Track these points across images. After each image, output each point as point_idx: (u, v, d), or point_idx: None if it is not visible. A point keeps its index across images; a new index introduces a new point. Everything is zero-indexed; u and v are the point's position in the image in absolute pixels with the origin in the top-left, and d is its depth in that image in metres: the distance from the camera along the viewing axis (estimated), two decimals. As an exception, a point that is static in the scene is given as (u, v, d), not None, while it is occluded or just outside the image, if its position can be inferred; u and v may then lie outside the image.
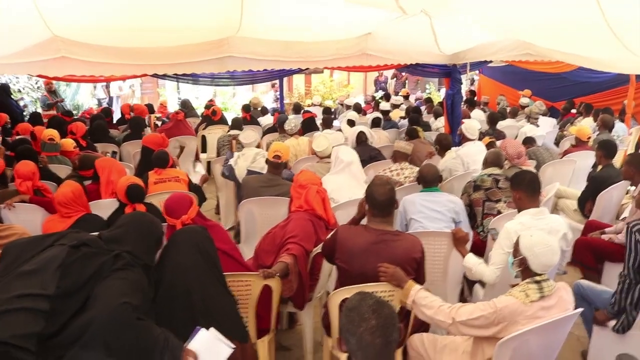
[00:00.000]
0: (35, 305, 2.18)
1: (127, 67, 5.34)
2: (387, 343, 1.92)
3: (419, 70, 7.46)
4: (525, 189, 3.62)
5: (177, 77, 7.90)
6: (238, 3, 4.39)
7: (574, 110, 10.49)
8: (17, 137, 7.11)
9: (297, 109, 10.53)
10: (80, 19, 4.43)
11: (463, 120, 7.43)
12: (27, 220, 4.46)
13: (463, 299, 4.48)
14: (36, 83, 11.66)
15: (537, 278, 2.61)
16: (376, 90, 18.00)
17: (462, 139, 6.21)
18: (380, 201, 3.09)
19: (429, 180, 4.36)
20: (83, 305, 2.25)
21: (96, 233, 3.04)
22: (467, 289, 4.37)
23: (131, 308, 2.21)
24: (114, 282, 2.31)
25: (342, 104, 13.07)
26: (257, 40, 5.40)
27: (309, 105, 13.42)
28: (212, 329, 2.43)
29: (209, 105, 10.09)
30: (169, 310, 2.49)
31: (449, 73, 7.09)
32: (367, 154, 6.10)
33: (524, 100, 10.89)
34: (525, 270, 2.69)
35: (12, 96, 10.38)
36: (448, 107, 7.31)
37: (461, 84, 7.44)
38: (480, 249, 4.35)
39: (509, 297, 2.59)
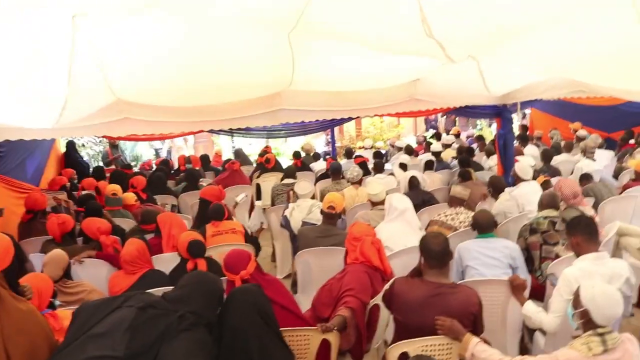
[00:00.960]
0: None
1: (185, 124, 5.58)
2: None
3: (469, 111, 7.47)
4: (582, 234, 3.56)
5: (231, 132, 8.16)
6: (289, 59, 4.56)
7: (632, 141, 10.19)
8: (84, 193, 7.46)
9: (348, 153, 10.63)
10: (141, 83, 4.68)
11: (517, 158, 7.37)
12: (93, 274, 4.65)
13: (523, 346, 4.38)
14: (98, 138, 12.26)
15: (600, 330, 2.56)
16: (426, 129, 17.99)
17: (516, 180, 6.14)
18: (436, 252, 3.15)
19: (484, 227, 4.35)
20: None
21: (160, 290, 3.19)
22: (528, 336, 4.28)
23: None
24: (181, 344, 2.41)
25: (393, 146, 13.11)
26: (308, 92, 5.54)
27: (359, 148, 13.52)
28: None
29: (263, 152, 10.32)
30: None
31: (500, 113, 7.07)
32: (420, 198, 6.12)
33: (581, 133, 10.65)
34: (587, 323, 2.64)
35: (78, 151, 10.93)
36: (500, 147, 7.25)
37: (512, 123, 7.38)
38: (538, 294, 4.28)
39: (571, 351, 2.55)
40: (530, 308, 3.49)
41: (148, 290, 3.23)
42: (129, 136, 7.03)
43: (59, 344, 2.57)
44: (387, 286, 3.68)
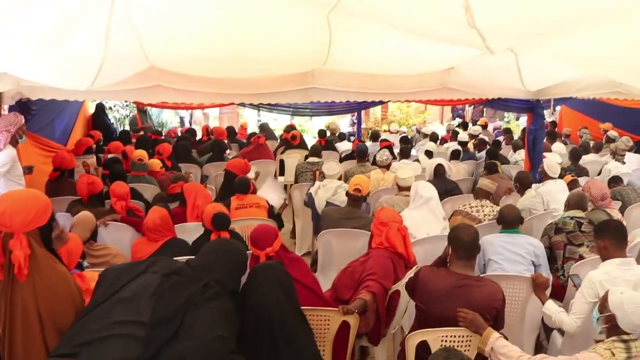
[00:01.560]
0: (132, 332, 2.34)
1: (216, 95, 5.62)
2: None
3: (501, 104, 7.38)
4: (611, 238, 3.51)
5: (258, 106, 8.17)
6: (326, 38, 4.53)
7: (663, 145, 10.01)
8: (110, 156, 7.54)
9: (374, 136, 10.58)
10: (177, 51, 4.69)
11: (544, 154, 7.28)
12: (117, 238, 4.71)
13: (538, 343, 4.39)
14: (125, 101, 12.33)
15: (625, 337, 2.54)
16: (453, 117, 17.82)
17: (543, 177, 6.07)
18: (466, 243, 3.16)
19: (510, 222, 4.32)
20: (175, 333, 2.39)
21: (183, 258, 3.23)
22: (544, 335, 4.27)
23: (225, 342, 2.33)
24: (207, 313, 2.44)
25: (419, 132, 13.02)
26: (341, 73, 5.52)
27: (384, 132, 13.45)
28: None
29: (289, 129, 10.31)
30: (254, 347, 2.59)
31: (532, 108, 6.97)
32: (444, 187, 6.08)
33: (612, 134, 10.48)
34: (612, 328, 2.62)
35: (106, 114, 11.00)
36: (529, 142, 7.16)
37: (544, 119, 7.28)
38: (559, 293, 4.26)
39: (593, 354, 2.54)
40: (552, 307, 3.47)
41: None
42: (160, 103, 7.08)
43: (84, 305, 2.62)
44: (410, 273, 3.70)
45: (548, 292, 3.77)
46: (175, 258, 3.47)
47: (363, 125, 14.07)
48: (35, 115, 6.61)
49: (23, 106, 6.07)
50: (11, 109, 5.81)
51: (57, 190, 5.74)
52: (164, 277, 2.55)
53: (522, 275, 3.89)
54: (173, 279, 2.55)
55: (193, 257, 2.98)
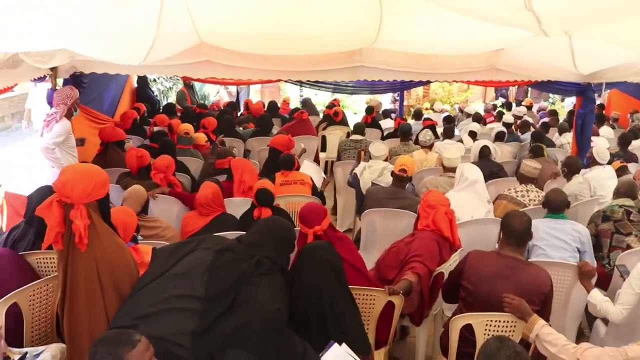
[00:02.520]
0: (187, 306, 2.44)
1: (263, 72, 5.67)
2: None
3: (550, 86, 7.22)
4: (663, 229, 3.47)
5: (301, 83, 8.18)
6: (377, 17, 4.51)
7: None
8: (155, 129, 7.68)
9: (417, 115, 10.49)
10: (227, 28, 4.74)
11: (593, 139, 7.12)
12: (165, 211, 4.84)
13: (580, 331, 4.37)
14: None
15: (676, 330, 2.53)
16: (496, 97, 17.49)
17: (591, 162, 5.96)
18: (517, 231, 3.19)
19: (556, 207, 4.26)
20: (229, 307, 2.47)
21: (231, 234, 3.31)
22: (587, 323, 4.25)
23: (283, 315, 2.42)
24: (264, 288, 2.53)
25: (462, 111, 12.84)
26: (390, 52, 5.49)
27: (426, 109, 13.31)
28: (344, 345, 2.58)
29: (332, 105, 10.30)
30: (303, 324, 2.66)
31: (583, 91, 6.80)
32: (489, 169, 6.01)
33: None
34: (662, 320, 2.61)
35: (149, 86, 11.17)
36: (578, 126, 6.99)
37: (594, 103, 7.09)
38: (604, 282, 4.20)
39: (642, 348, 2.52)
40: (597, 296, 3.45)
41: (219, 233, 3.38)
42: (209, 78, 7.17)
43: (139, 277, 2.73)
44: (454, 256, 3.73)
45: (592, 280, 3.74)
46: (224, 232, 3.60)
47: (404, 103, 13.94)
48: (86, 89, 6.77)
49: (76, 80, 6.23)
50: (65, 82, 5.99)
51: (105, 162, 5.88)
52: (217, 254, 2.63)
53: (569, 263, 3.86)
54: (226, 256, 2.63)
55: (243, 233, 3.05)
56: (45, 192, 3.35)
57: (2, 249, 3.41)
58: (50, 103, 5.76)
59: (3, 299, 2.99)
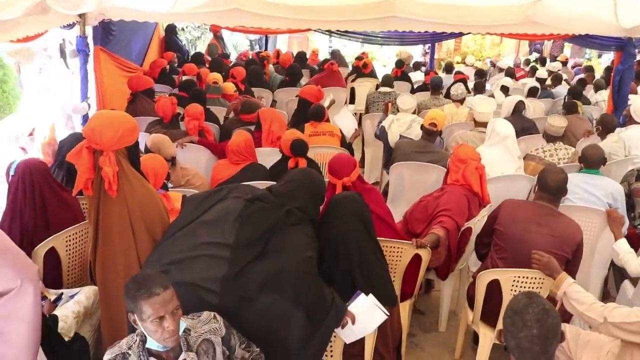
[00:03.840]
0: (218, 253, 2.46)
1: (293, 21, 5.59)
2: (545, 352, 1.97)
3: (588, 41, 6.97)
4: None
5: (330, 33, 8.04)
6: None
7: None
8: (184, 78, 7.67)
9: (448, 68, 10.27)
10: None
11: (630, 96, 6.91)
12: (193, 159, 4.85)
13: (606, 291, 4.35)
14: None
15: None
16: (530, 52, 17.02)
17: (628, 121, 5.79)
18: (551, 187, 3.20)
19: (592, 162, 4.17)
20: (260, 254, 2.50)
21: (261, 184, 3.31)
22: (614, 282, 4.22)
23: (314, 263, 2.44)
24: (296, 236, 2.55)
25: (494, 65, 12.54)
26: (422, 2, 5.36)
27: (458, 63, 13.04)
28: (370, 295, 2.61)
29: (361, 57, 10.14)
30: (330, 275, 2.68)
31: (623, 46, 6.55)
32: (520, 125, 5.88)
33: None
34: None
35: (177, 35, 11.10)
36: (615, 83, 6.76)
37: (635, 59, 6.84)
38: (635, 243, 4.13)
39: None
40: (622, 246, 3.46)
41: (249, 183, 3.39)
42: (237, 27, 7.09)
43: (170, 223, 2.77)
44: (483, 212, 3.70)
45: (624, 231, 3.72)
46: (254, 182, 3.61)
47: (435, 56, 13.66)
48: (115, 36, 6.74)
49: (105, 27, 6.21)
50: (95, 29, 5.96)
51: (134, 111, 5.88)
52: (247, 202, 2.64)
53: (597, 208, 3.85)
54: (257, 205, 2.64)
55: (274, 183, 3.05)
56: (75, 139, 3.40)
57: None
58: (80, 51, 5.78)
59: (41, 244, 3.08)
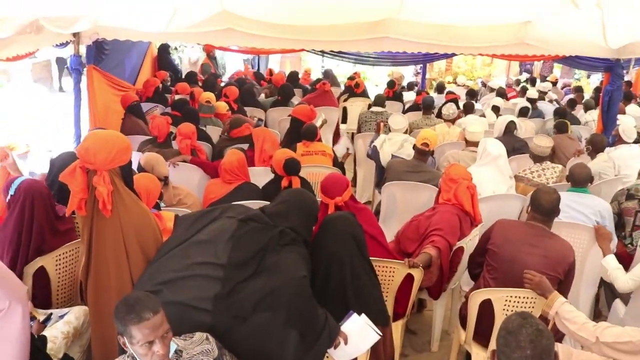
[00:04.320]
0: (210, 273, 2.46)
1: (286, 41, 5.61)
2: None
3: (577, 62, 7.06)
4: (689, 210, 3.41)
5: (323, 53, 8.11)
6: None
7: None
8: (177, 97, 7.68)
9: (440, 88, 10.35)
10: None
11: (619, 116, 6.99)
12: (186, 178, 4.83)
13: (597, 310, 4.35)
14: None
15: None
16: (520, 72, 17.19)
17: (617, 140, 5.85)
18: (544, 207, 3.21)
19: (579, 181, 4.22)
20: (252, 274, 2.49)
21: (253, 203, 3.31)
22: (605, 301, 4.22)
23: (308, 283, 2.44)
24: (290, 255, 2.55)
25: (485, 85, 12.65)
26: (414, 23, 5.41)
27: (449, 83, 13.15)
28: (363, 315, 2.60)
29: (353, 77, 10.22)
30: (323, 295, 2.67)
31: (611, 67, 6.65)
32: (512, 145, 5.94)
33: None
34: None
35: (170, 54, 11.13)
36: (604, 103, 6.84)
37: (623, 79, 6.93)
38: (625, 262, 4.14)
39: (665, 329, 2.50)
40: (611, 262, 3.48)
41: (242, 202, 3.38)
42: (229, 47, 7.13)
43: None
44: (475, 231, 3.72)
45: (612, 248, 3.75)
46: (247, 202, 3.61)
47: (427, 76, 13.78)
48: (108, 55, 6.76)
49: (98, 46, 6.23)
50: (88, 48, 5.98)
51: (123, 129, 5.90)
52: (240, 222, 2.64)
53: (585, 225, 3.90)
54: (250, 225, 2.64)
55: (267, 203, 3.05)
56: (68, 158, 3.38)
57: None
58: (73, 70, 5.79)
59: (30, 263, 3.05)
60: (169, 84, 9.38)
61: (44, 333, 2.78)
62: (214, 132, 6.46)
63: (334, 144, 7.72)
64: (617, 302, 3.83)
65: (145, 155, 4.23)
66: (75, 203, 2.54)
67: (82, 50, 5.83)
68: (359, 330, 2.57)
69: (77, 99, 5.83)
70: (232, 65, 14.73)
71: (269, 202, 3.09)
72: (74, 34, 5.42)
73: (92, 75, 6.09)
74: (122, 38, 5.71)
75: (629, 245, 4.31)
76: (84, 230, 2.65)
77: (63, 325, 2.89)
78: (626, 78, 12.61)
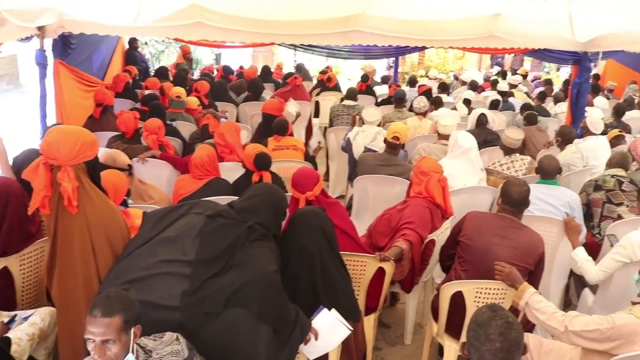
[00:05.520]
0: (177, 270, 2.43)
1: (256, 35, 5.56)
2: None
3: (546, 55, 7.15)
4: (655, 200, 3.47)
5: (295, 47, 8.07)
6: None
7: None
8: (147, 92, 7.57)
9: (412, 82, 10.37)
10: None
11: (587, 109, 7.10)
12: (155, 174, 4.78)
13: (568, 299, 4.41)
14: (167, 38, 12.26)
15: (663, 300, 2.54)
16: (491, 66, 17.36)
17: (585, 132, 5.94)
18: (514, 199, 3.24)
19: (548, 172, 4.30)
20: (221, 270, 2.46)
21: (223, 199, 3.27)
22: (575, 291, 4.28)
23: (279, 277, 2.42)
24: (259, 251, 2.53)
25: (457, 79, 12.74)
26: (384, 18, 5.40)
27: (421, 77, 13.20)
28: (333, 310, 2.59)
29: (325, 71, 10.20)
30: (293, 290, 2.65)
31: (579, 60, 6.74)
32: (483, 137, 6.00)
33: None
34: (650, 289, 2.62)
35: (138, 49, 10.94)
36: (573, 96, 6.94)
37: (590, 72, 7.04)
38: (593, 252, 4.21)
39: (629, 316, 2.52)
40: (580, 254, 3.55)
41: (212, 198, 3.34)
42: (201, 41, 7.04)
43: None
44: (446, 223, 3.73)
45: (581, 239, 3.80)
46: (216, 198, 3.56)
47: (399, 69, 13.80)
48: (76, 49, 6.61)
49: (64, 40, 6.08)
50: (54, 42, 5.84)
51: (98, 126, 5.77)
52: (208, 219, 2.61)
53: (554, 218, 3.94)
54: (218, 221, 2.61)
55: (236, 198, 3.02)
56: (30, 155, 3.29)
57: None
58: (38, 64, 5.65)
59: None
60: (138, 79, 9.23)
61: (8, 335, 2.71)
62: (185, 127, 6.38)
63: (307, 139, 7.71)
64: (586, 292, 3.89)
65: (104, 151, 4.15)
66: (38, 200, 2.47)
67: (48, 45, 5.68)
68: (329, 326, 2.56)
69: (43, 95, 5.70)
70: (206, 60, 14.64)
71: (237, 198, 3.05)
72: (39, 28, 5.29)
73: (58, 70, 5.95)
74: (88, 32, 5.59)
75: (597, 235, 4.38)
76: (48, 229, 2.58)
77: (28, 326, 2.82)
78: (594, 71, 12.86)
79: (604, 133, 6.06)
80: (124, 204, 3.41)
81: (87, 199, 2.52)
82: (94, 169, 2.62)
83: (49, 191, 2.47)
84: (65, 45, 6.14)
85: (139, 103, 7.19)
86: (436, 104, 7.61)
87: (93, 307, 1.94)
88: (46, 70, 5.66)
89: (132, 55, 10.25)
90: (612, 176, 4.48)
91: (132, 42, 10.29)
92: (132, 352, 2.01)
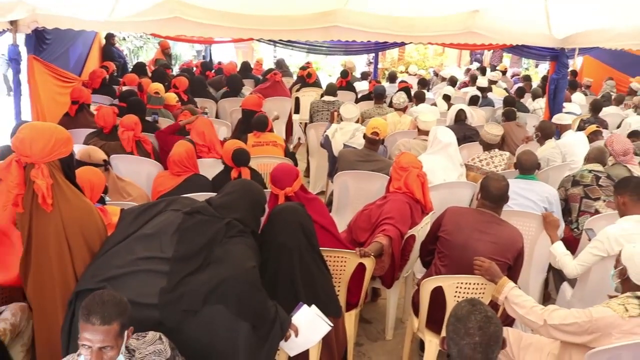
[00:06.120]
0: (155, 267, 2.40)
1: (235, 30, 5.51)
2: (487, 359, 1.99)
3: (524, 51, 7.21)
4: (631, 194, 3.47)
5: (275, 42, 8.03)
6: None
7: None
8: (124, 88, 7.47)
9: (392, 77, 10.40)
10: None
11: (564, 104, 7.18)
12: (134, 171, 4.73)
13: (547, 293, 4.45)
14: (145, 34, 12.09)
15: (639, 293, 2.56)
16: (471, 62, 17.48)
17: (561, 130, 6.00)
18: (493, 194, 3.25)
19: (526, 168, 4.33)
20: (199, 267, 2.43)
21: (202, 195, 3.23)
22: (554, 285, 4.32)
23: (258, 273, 2.39)
24: (238, 247, 2.49)
25: (437, 75, 12.79)
26: (364, 13, 5.40)
27: (402, 73, 13.24)
28: (313, 306, 2.57)
29: (305, 67, 10.17)
30: (273, 286, 2.63)
31: (556, 57, 6.81)
32: (462, 133, 6.02)
33: (636, 86, 10.24)
34: (626, 282, 2.63)
35: (115, 45, 10.79)
36: (551, 92, 7.03)
37: (567, 68, 7.11)
38: (572, 246, 4.25)
39: (606, 309, 2.55)
40: (559, 248, 3.56)
41: (190, 195, 3.30)
42: (179, 36, 6.96)
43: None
44: (426, 219, 3.73)
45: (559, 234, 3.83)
46: (195, 194, 3.52)
47: (379, 66, 13.81)
48: (51, 45, 6.49)
49: (38, 35, 5.96)
50: (27, 37, 5.73)
51: (73, 124, 5.67)
52: (186, 215, 2.58)
53: (532, 213, 3.96)
54: (196, 217, 2.57)
55: (214, 194, 2.99)
56: (3, 152, 3.22)
57: None
58: (11, 60, 5.54)
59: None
60: (115, 74, 9.12)
61: (-20, 333, 2.65)
62: (164, 123, 6.29)
63: (287, 135, 7.68)
64: (565, 285, 3.92)
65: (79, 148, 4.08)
66: (10, 199, 2.41)
67: (21, 40, 5.58)
68: (309, 322, 2.54)
69: (17, 91, 5.60)
70: (186, 56, 14.51)
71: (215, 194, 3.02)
72: (11, 22, 5.18)
73: (32, 65, 5.83)
74: (63, 27, 5.48)
75: (575, 229, 4.42)
76: (22, 228, 2.52)
77: (-1, 323, 2.77)
78: (572, 68, 13.01)
79: (581, 129, 6.13)
80: (102, 201, 3.35)
81: (62, 197, 2.47)
82: (68, 166, 2.56)
83: (22, 189, 2.42)
84: (40, 40, 6.03)
85: (116, 99, 7.09)
86: (419, 98, 7.64)
87: (89, 313, 1.90)
88: (19, 65, 5.56)
89: (110, 50, 10.11)
90: (590, 171, 4.52)
91: (109, 37, 10.16)
92: (122, 352, 2.00)
